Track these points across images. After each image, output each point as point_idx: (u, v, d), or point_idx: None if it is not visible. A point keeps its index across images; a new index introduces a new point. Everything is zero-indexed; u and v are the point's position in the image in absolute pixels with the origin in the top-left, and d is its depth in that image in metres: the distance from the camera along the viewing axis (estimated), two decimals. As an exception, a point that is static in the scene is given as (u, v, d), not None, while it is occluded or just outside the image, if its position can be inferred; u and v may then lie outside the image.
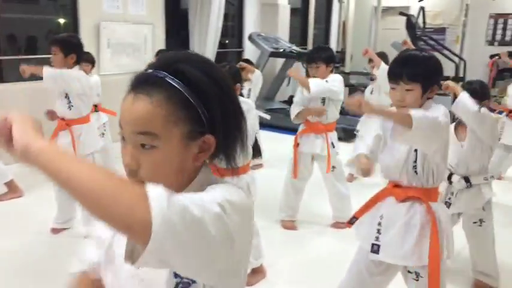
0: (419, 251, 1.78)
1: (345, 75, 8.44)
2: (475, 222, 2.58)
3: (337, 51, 9.98)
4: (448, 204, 2.54)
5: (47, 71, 2.98)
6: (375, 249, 1.87)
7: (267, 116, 5.03)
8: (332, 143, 3.36)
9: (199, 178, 0.86)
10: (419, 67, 1.78)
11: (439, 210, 1.84)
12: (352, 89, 8.20)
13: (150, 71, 0.83)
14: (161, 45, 6.20)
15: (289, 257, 3.14)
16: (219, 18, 6.43)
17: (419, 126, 1.65)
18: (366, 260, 1.94)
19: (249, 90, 4.85)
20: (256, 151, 2.64)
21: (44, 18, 6.04)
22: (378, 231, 1.88)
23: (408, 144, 1.81)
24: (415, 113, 1.68)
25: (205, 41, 6.45)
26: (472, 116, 2.36)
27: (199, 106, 0.80)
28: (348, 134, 5.99)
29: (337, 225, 3.51)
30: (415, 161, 1.81)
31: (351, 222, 2.02)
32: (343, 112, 6.92)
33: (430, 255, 1.75)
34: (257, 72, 4.86)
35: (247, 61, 5.31)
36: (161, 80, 0.80)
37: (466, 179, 2.52)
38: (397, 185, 1.87)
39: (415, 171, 1.81)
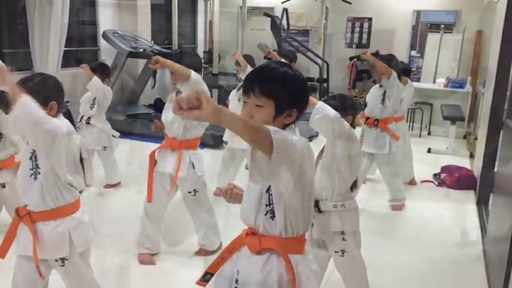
0: None
1: (213, 76, 8.11)
2: (336, 252, 2.32)
3: (204, 51, 9.61)
4: (312, 226, 2.26)
5: None
6: None
7: (116, 134, 4.44)
8: (193, 163, 2.89)
9: None
10: (274, 80, 1.39)
11: (301, 265, 1.47)
12: (221, 90, 7.88)
13: None
14: (-9, 41, 5.19)
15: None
16: (64, 11, 5.54)
17: (279, 147, 1.21)
18: None
19: (94, 101, 4.18)
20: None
21: None
22: None
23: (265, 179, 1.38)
24: (271, 128, 1.24)
25: (48, 37, 5.51)
26: (332, 121, 2.04)
27: None
28: (216, 141, 5.59)
29: (202, 252, 3.08)
30: (269, 204, 1.42)
31: (205, 279, 1.60)
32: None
33: None
34: (94, 84, 4.14)
35: (102, 65, 4.56)
36: None
37: (316, 203, 2.24)
38: (253, 232, 1.48)
39: (271, 217, 1.43)
